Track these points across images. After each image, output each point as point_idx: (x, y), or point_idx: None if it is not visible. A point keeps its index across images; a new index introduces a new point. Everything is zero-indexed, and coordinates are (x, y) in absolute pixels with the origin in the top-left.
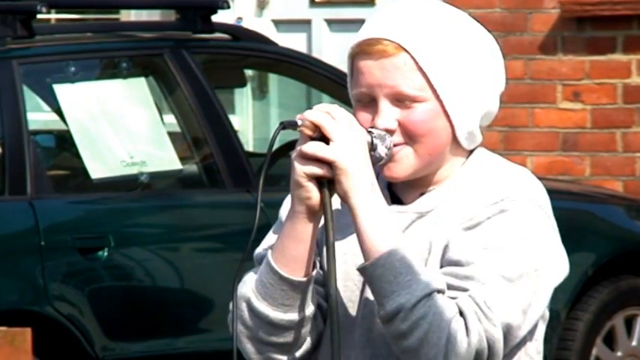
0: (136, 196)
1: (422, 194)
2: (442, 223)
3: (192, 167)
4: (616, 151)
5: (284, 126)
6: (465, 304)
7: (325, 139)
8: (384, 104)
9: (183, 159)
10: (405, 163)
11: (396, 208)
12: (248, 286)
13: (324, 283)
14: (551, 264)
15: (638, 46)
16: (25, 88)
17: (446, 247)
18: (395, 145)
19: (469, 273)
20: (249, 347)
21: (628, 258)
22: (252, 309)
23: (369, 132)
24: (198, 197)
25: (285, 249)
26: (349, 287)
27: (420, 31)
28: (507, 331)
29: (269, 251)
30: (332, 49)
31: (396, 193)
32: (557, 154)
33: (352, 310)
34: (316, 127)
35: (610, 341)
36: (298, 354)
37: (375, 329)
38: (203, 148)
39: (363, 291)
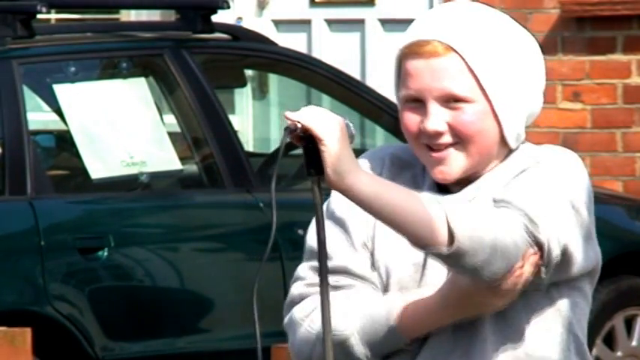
0: (136, 196)
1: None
2: (480, 197)
3: (192, 167)
4: (616, 151)
5: (290, 131)
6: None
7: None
8: (434, 106)
9: (183, 159)
10: (456, 165)
11: (447, 197)
12: (351, 323)
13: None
14: (590, 217)
15: (638, 46)
16: (25, 88)
17: None
18: (445, 147)
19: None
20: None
21: (628, 258)
22: (344, 347)
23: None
24: (198, 197)
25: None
26: (407, 270)
27: (469, 33)
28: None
29: (392, 312)
30: (332, 49)
31: (444, 185)
32: None
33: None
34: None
35: (610, 341)
36: None
37: None
38: (203, 148)
39: (423, 274)
